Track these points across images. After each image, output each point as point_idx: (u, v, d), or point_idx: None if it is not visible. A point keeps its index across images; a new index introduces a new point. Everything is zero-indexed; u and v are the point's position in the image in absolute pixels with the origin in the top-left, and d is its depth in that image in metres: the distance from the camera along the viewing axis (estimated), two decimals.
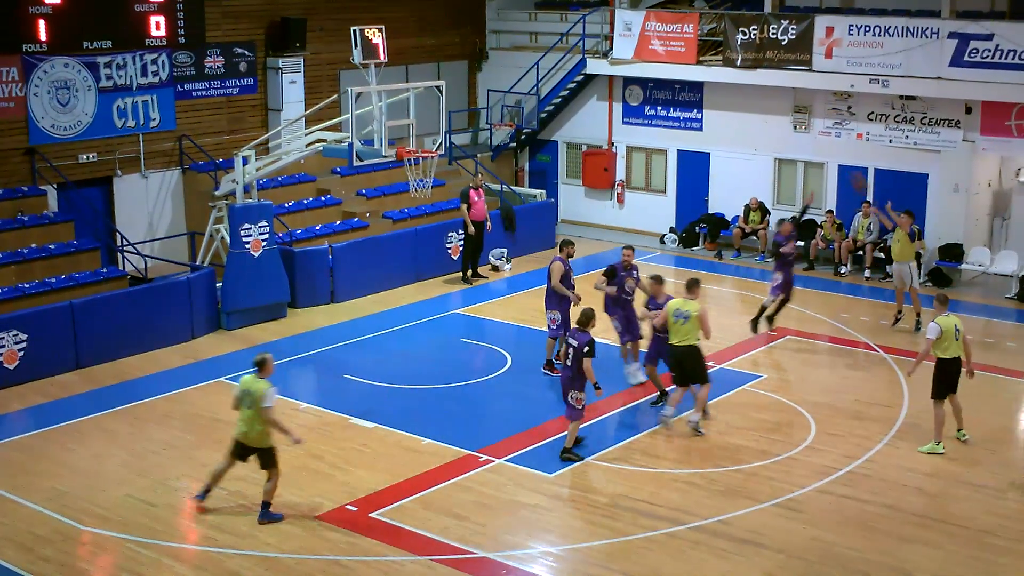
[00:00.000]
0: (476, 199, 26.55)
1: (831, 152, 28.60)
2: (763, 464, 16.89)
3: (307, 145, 23.71)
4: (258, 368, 15.19)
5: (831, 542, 14.63)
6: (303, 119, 26.21)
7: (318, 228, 26.02)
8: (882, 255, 27.03)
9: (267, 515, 15.16)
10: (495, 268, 27.71)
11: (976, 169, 27.03)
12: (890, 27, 26.93)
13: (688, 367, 17.71)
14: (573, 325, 16.94)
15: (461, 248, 26.91)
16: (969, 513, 15.49)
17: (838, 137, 28.46)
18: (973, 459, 17.13)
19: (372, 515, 15.29)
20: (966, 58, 25.99)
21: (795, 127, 28.93)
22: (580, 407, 16.72)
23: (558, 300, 19.97)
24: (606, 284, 19.64)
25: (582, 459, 16.82)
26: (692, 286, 17.87)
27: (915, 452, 17.32)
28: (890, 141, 27.77)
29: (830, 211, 28.05)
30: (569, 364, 16.53)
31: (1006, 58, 25.50)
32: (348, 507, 15.50)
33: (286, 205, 26.30)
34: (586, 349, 16.34)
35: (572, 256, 20.48)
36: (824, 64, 27.73)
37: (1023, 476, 16.67)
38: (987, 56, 25.75)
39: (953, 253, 26.82)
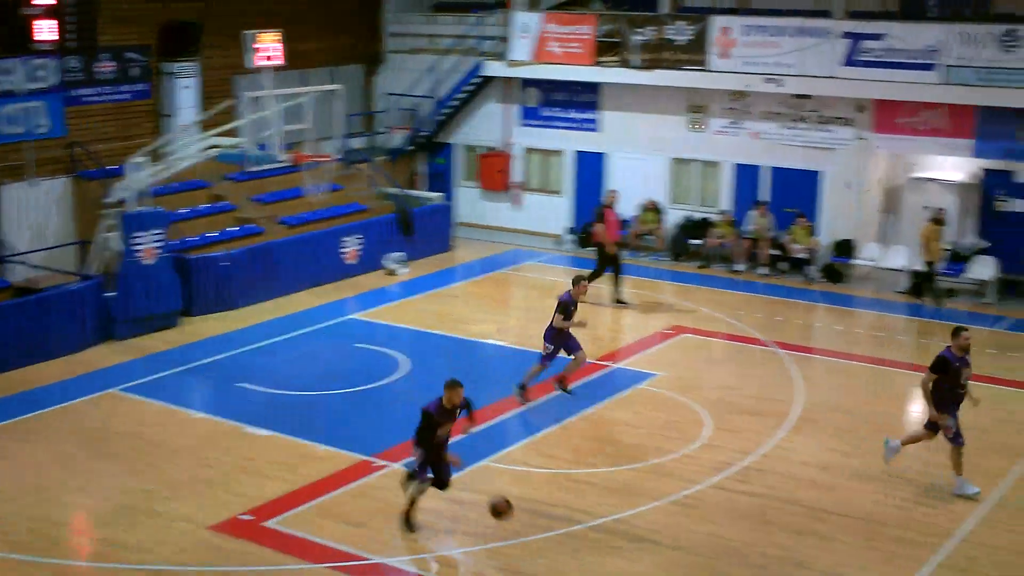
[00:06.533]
0: (612, 218, 25.33)
1: (727, 151, 28.86)
2: (659, 462, 16.96)
3: (201, 151, 23.41)
4: None
5: (728, 537, 14.72)
6: (197, 124, 25.87)
7: (213, 234, 25.67)
8: (778, 252, 27.43)
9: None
10: (391, 272, 27.51)
11: (868, 166, 27.46)
12: (785, 27, 27.29)
13: None
14: None
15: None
16: (863, 504, 15.69)
17: (734, 136, 28.72)
18: (866, 451, 17.35)
19: (267, 524, 15.07)
20: (859, 57, 26.43)
21: (691, 127, 29.16)
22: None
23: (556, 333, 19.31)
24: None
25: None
26: None
27: (809, 445, 17.51)
28: (785, 140, 28.10)
29: (723, 211, 28.37)
30: None
31: (897, 57, 25.95)
32: (243, 516, 15.25)
33: (180, 212, 25.92)
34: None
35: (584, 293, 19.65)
36: (720, 64, 28.02)
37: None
38: (879, 55, 26.20)
39: (846, 249, 27.23)
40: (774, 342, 22.62)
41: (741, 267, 27.84)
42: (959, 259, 26.11)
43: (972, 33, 25.45)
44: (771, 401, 19.37)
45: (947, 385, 15.78)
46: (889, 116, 26.66)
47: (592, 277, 24.27)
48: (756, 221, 27.79)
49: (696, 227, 29.03)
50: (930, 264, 25.22)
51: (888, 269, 26.80)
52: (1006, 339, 23.29)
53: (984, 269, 25.94)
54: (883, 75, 26.21)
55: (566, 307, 19.03)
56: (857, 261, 27.23)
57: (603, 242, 25.04)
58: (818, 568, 14.01)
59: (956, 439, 15.87)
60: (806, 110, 27.72)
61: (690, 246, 28.90)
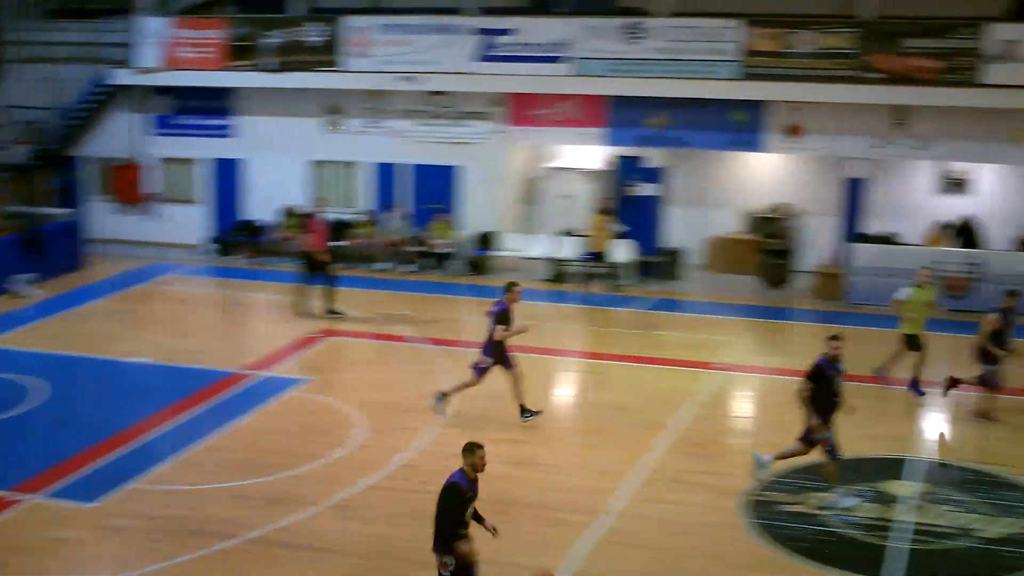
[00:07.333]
0: (319, 227, 24.15)
1: (366, 151, 28.85)
2: (313, 467, 16.59)
3: None
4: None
5: (387, 536, 14.54)
6: None
7: None
8: (421, 248, 27.67)
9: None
10: (20, 295, 25.91)
11: (507, 159, 28.01)
12: (419, 25, 27.47)
13: None
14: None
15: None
16: (528, 491, 15.91)
17: (373, 136, 28.69)
18: (521, 439, 17.59)
19: None
20: (492, 52, 26.89)
21: (329, 128, 28.94)
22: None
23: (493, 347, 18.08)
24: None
25: None
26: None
27: (464, 438, 17.49)
28: (424, 137, 28.28)
29: (364, 211, 28.42)
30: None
31: (529, 51, 26.54)
32: None
33: None
34: None
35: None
36: (356, 64, 28.01)
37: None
38: (511, 50, 26.73)
39: (488, 241, 27.66)
40: (423, 338, 22.66)
41: (385, 266, 27.90)
42: None
43: (598, 27, 26.31)
44: (423, 397, 19.27)
45: (825, 394, 15.20)
46: (524, 109, 27.29)
47: (299, 290, 24.08)
48: (394, 220, 27.95)
49: (338, 229, 28.82)
50: (598, 255, 25.89)
51: (531, 258, 27.38)
52: (647, 318, 24.19)
53: (623, 252, 26.83)
54: (516, 69, 26.81)
55: (505, 316, 17.82)
56: (500, 252, 27.71)
57: (311, 251, 24.15)
58: (483, 557, 13.98)
59: (833, 452, 15.41)
60: (443, 107, 27.99)
61: (332, 248, 28.66)
